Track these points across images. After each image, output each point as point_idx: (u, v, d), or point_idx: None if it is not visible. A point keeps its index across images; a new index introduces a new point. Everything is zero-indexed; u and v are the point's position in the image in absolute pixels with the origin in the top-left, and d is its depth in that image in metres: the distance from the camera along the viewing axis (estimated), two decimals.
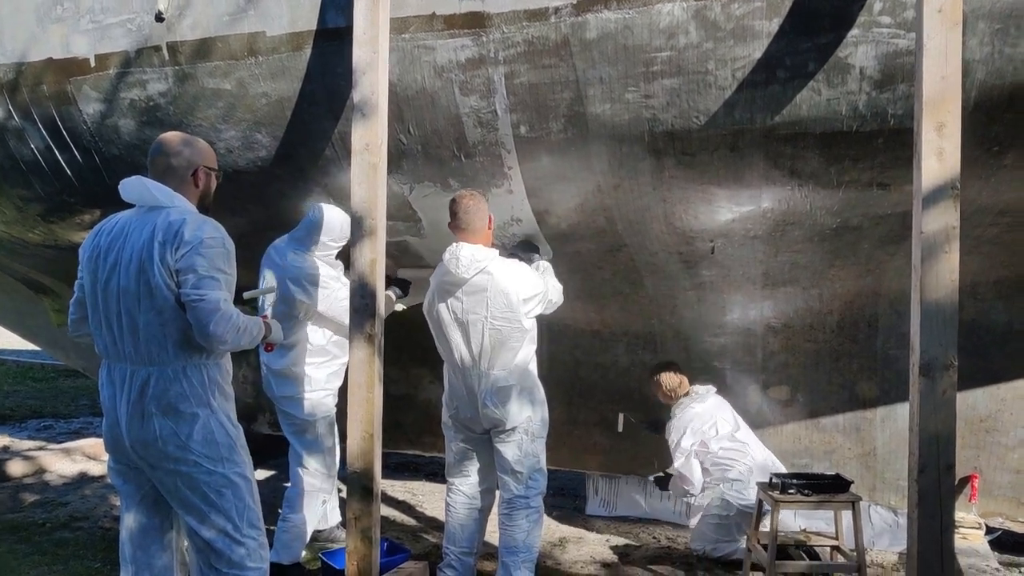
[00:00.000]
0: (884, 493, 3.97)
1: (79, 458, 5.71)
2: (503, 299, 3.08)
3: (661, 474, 4.11)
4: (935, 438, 2.52)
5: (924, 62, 2.45)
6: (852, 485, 3.42)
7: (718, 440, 3.80)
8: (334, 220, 3.50)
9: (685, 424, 3.86)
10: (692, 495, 3.91)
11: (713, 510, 3.81)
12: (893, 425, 3.91)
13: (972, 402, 3.81)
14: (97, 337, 2.36)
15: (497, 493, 3.32)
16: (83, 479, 5.32)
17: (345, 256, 3.32)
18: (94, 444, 5.96)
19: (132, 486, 2.39)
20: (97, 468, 5.57)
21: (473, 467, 3.32)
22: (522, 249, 3.60)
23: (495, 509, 3.33)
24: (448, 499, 3.35)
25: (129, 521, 2.41)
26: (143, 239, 2.26)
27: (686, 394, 3.94)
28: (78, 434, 6.55)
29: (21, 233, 4.56)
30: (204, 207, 2.44)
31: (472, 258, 3.05)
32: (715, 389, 3.96)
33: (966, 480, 3.84)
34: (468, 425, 3.26)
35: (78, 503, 4.76)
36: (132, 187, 2.37)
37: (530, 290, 3.14)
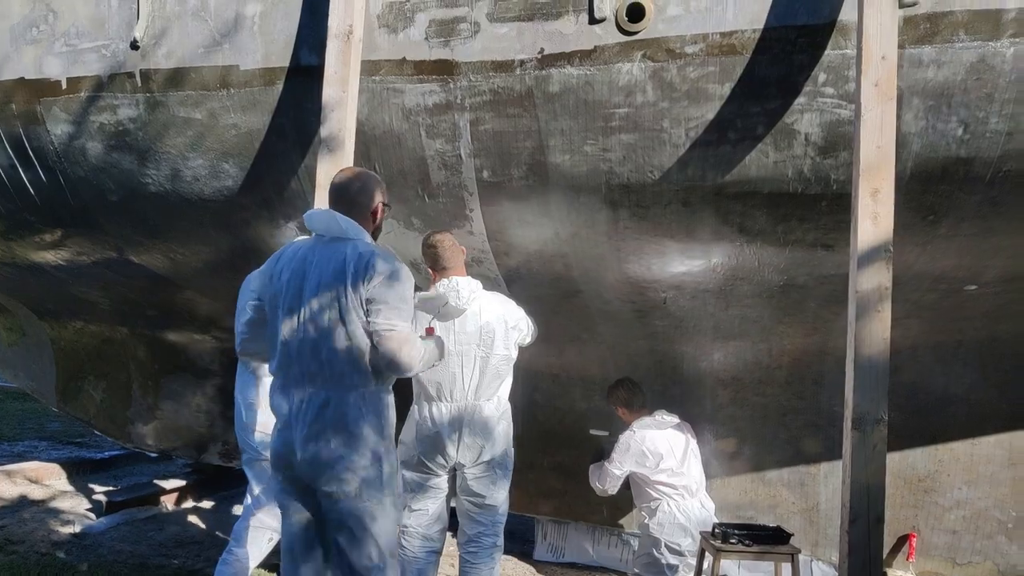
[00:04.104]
0: (826, 548, 4.03)
1: (20, 481, 5.57)
2: (495, 328, 3.14)
3: (605, 433, 4.08)
4: (866, 490, 2.60)
5: (861, 132, 2.60)
6: (792, 538, 3.48)
7: (657, 472, 3.80)
8: None
9: (636, 443, 3.81)
10: (599, 491, 3.97)
11: (642, 548, 3.83)
12: (836, 481, 3.99)
13: (912, 461, 3.91)
14: (277, 358, 2.42)
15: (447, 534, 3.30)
16: (23, 502, 5.18)
17: None
18: (36, 468, 5.82)
19: (297, 504, 2.43)
20: (39, 492, 5.43)
21: (432, 505, 3.25)
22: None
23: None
24: (404, 543, 3.24)
25: (289, 539, 2.45)
26: (333, 268, 2.36)
27: (650, 415, 3.91)
28: (21, 456, 6.38)
29: None
30: (375, 239, 2.55)
31: (469, 289, 3.12)
32: (677, 420, 3.93)
33: (905, 539, 3.92)
34: (436, 462, 3.20)
35: (15, 526, 4.62)
36: (320, 219, 2.47)
37: (516, 317, 3.23)
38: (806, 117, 2.89)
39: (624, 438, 3.88)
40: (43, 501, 5.19)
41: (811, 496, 4.06)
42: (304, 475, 2.36)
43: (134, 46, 3.42)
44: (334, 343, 2.34)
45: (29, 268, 4.57)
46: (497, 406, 3.21)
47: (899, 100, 2.67)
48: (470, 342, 3.13)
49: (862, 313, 2.60)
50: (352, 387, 2.35)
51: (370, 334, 2.33)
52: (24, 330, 5.66)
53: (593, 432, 4.13)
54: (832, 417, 3.98)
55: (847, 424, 2.63)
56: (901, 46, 2.66)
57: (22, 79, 3.65)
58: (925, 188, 2.93)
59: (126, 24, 3.44)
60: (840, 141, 2.89)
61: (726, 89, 2.90)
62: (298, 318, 2.38)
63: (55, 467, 5.93)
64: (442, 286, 3.12)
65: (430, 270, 3.22)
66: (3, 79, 3.69)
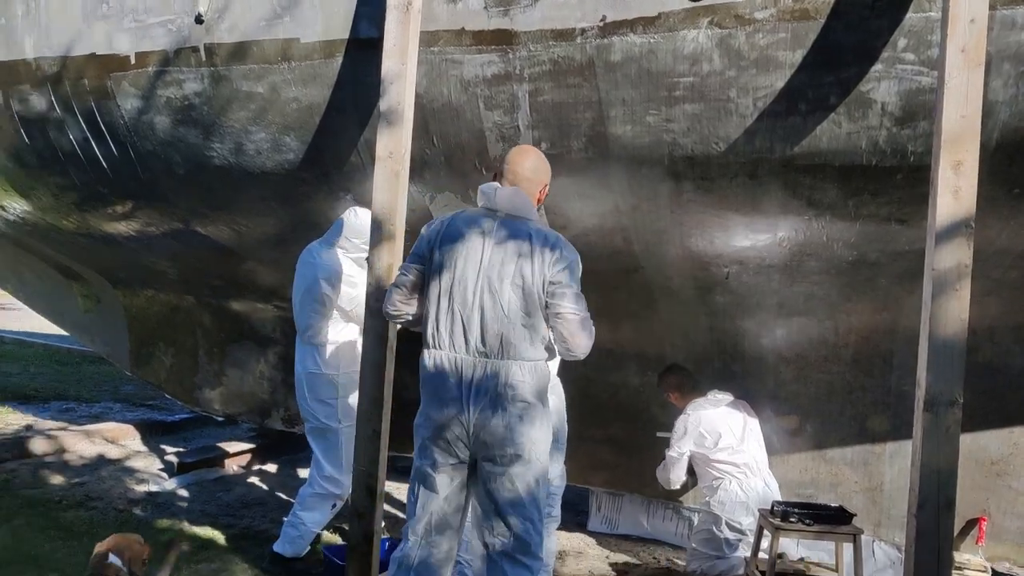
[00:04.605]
0: (889, 530, 3.93)
1: (99, 441, 5.85)
2: None
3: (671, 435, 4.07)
4: (936, 474, 2.51)
5: (944, 100, 2.45)
6: (855, 518, 3.40)
7: (717, 451, 3.78)
8: (364, 222, 3.58)
9: (691, 425, 3.82)
10: (667, 486, 3.97)
11: (702, 524, 3.81)
12: (902, 462, 3.86)
13: (984, 444, 3.76)
14: (437, 325, 2.48)
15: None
16: (101, 461, 5.45)
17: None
18: (114, 428, 6.10)
19: (446, 476, 2.51)
20: (115, 451, 5.70)
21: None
22: None
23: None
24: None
25: (433, 505, 2.52)
26: (517, 246, 2.45)
27: (703, 396, 3.90)
28: (98, 418, 6.69)
29: (56, 220, 4.70)
30: None
31: None
32: (732, 398, 3.92)
33: (974, 522, 3.79)
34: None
35: (94, 483, 4.87)
36: (506, 196, 2.54)
37: None
38: (883, 85, 2.74)
39: (680, 421, 3.85)
40: (119, 460, 5.45)
41: (875, 476, 3.95)
42: (471, 446, 2.45)
43: (199, 20, 3.47)
44: (513, 318, 2.44)
45: (102, 238, 4.74)
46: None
47: (986, 66, 2.51)
48: None
49: (939, 292, 2.48)
50: (526, 360, 2.46)
51: (546, 315, 2.46)
52: (99, 298, 5.90)
53: (660, 435, 4.10)
54: (901, 396, 3.85)
55: (919, 405, 2.53)
56: (992, 7, 2.49)
57: (93, 55, 3.74)
58: (1012, 160, 2.76)
59: None
60: (920, 110, 2.74)
61: (797, 57, 2.77)
62: (474, 291, 2.45)
63: (130, 428, 6.21)
64: None
65: None
66: (76, 55, 3.79)
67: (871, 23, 2.68)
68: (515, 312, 2.44)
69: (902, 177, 2.93)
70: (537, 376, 2.49)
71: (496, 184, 2.59)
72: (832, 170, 2.96)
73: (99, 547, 2.69)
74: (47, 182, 4.38)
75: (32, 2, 3.87)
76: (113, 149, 3.97)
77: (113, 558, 2.67)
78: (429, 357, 2.52)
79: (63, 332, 7.22)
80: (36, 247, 5.46)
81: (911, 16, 2.65)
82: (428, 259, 2.54)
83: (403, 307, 2.60)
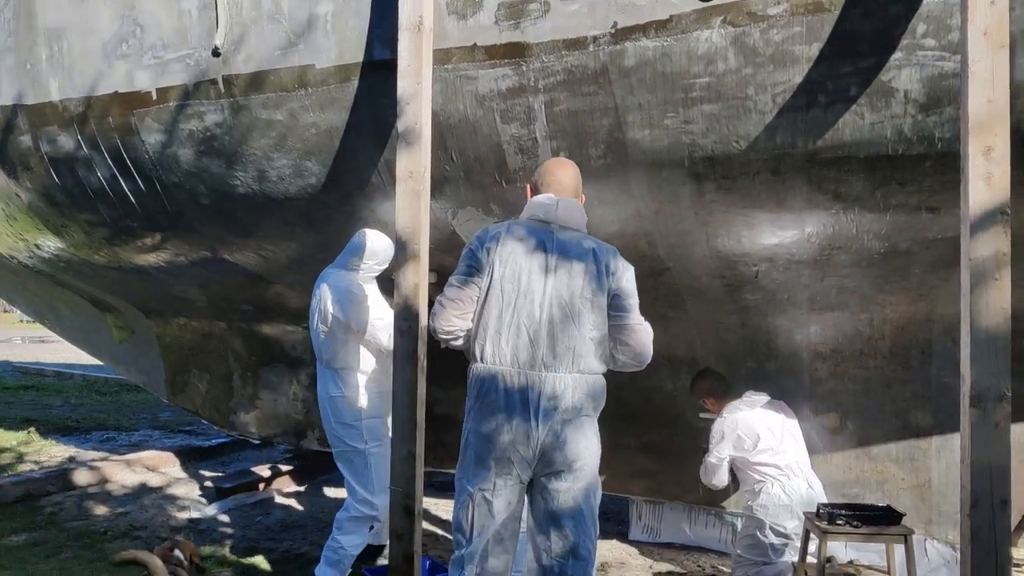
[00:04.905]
0: (941, 527, 3.83)
1: (139, 469, 5.95)
2: None
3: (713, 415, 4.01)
4: (988, 471, 2.43)
5: (970, 86, 2.39)
6: (904, 518, 3.31)
7: (757, 453, 3.70)
8: (376, 244, 3.60)
9: (728, 428, 3.75)
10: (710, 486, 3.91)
11: (746, 529, 3.74)
12: (950, 456, 3.77)
13: None
14: (499, 340, 2.42)
15: None
16: (143, 489, 5.53)
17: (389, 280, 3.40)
18: (154, 456, 6.20)
19: (503, 499, 2.44)
20: (156, 479, 5.79)
21: None
22: None
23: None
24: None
25: (490, 531, 2.44)
26: (579, 258, 2.47)
27: (738, 398, 3.84)
28: (138, 446, 6.81)
29: (88, 255, 4.80)
30: None
31: None
32: (767, 398, 3.84)
33: None
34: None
35: (138, 513, 4.94)
36: (567, 208, 2.56)
37: None
38: (905, 73, 2.69)
39: (716, 426, 3.79)
40: (160, 488, 5.53)
41: (922, 471, 3.85)
42: (540, 461, 2.41)
43: (215, 53, 3.52)
44: (583, 331, 2.43)
45: (133, 270, 4.82)
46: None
47: (1011, 47, 2.44)
48: None
49: (978, 282, 2.41)
50: (591, 373, 2.48)
51: (611, 326, 2.49)
52: (133, 328, 6.01)
53: (702, 416, 4.05)
54: (943, 388, 3.75)
55: (965, 401, 2.46)
56: None
57: (116, 93, 3.82)
58: None
59: (207, 32, 3.54)
60: (945, 96, 2.68)
61: (814, 50, 2.73)
62: (541, 304, 2.43)
63: (169, 455, 6.30)
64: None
65: None
66: (99, 94, 3.87)
67: (888, 10, 2.63)
68: (586, 326, 2.44)
69: (930, 165, 2.86)
70: (600, 389, 2.53)
71: (552, 196, 2.57)
72: (857, 162, 2.91)
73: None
74: (78, 219, 4.47)
75: (56, 46, 3.96)
76: (140, 183, 4.04)
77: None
78: (488, 374, 2.44)
79: (101, 363, 7.36)
80: (70, 281, 5.58)
81: (929, 1, 2.59)
82: (483, 273, 2.48)
83: (458, 322, 2.50)
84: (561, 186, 2.59)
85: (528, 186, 2.72)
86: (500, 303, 2.44)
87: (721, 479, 3.84)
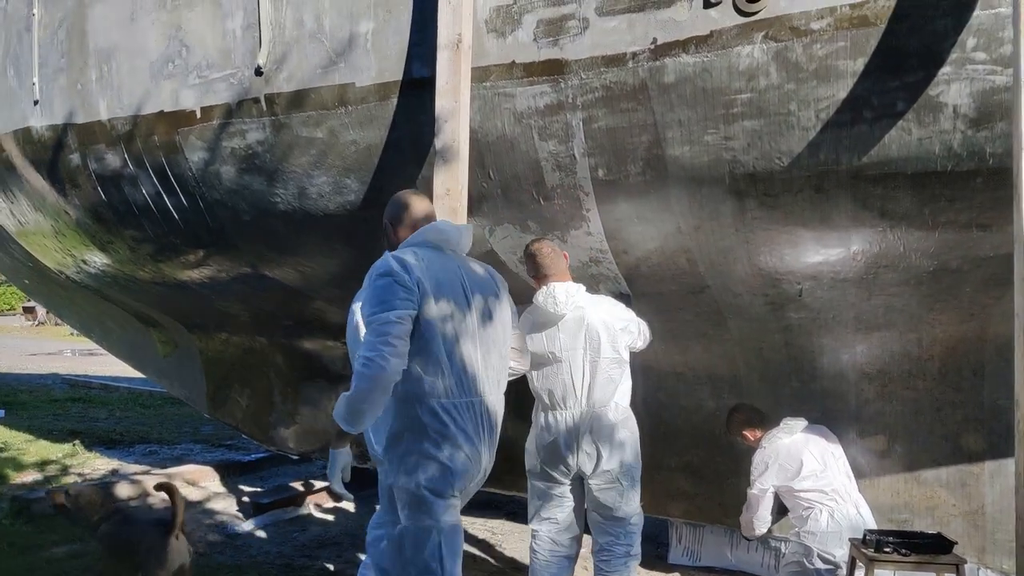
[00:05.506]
0: (995, 556, 3.67)
1: (179, 483, 6.00)
2: (600, 331, 3.13)
3: None
4: None
5: (1022, 100, 2.32)
6: (956, 546, 3.19)
7: (800, 480, 3.59)
8: None
9: (770, 458, 3.66)
10: (750, 533, 3.79)
11: (792, 556, 3.62)
12: (1005, 481, 3.62)
13: None
14: (451, 374, 2.39)
15: (587, 538, 3.27)
16: None
17: None
18: (194, 470, 6.27)
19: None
20: (196, 493, 5.85)
21: (560, 514, 3.28)
22: None
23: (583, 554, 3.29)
24: (534, 546, 3.31)
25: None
26: (488, 284, 2.58)
27: (775, 426, 3.74)
28: (180, 460, 6.90)
29: (133, 271, 4.91)
30: None
31: (567, 294, 3.12)
32: (806, 423, 3.74)
33: None
34: (559, 471, 3.22)
35: None
36: (460, 233, 2.64)
37: (624, 319, 3.21)
38: (954, 87, 2.62)
39: (757, 457, 3.70)
40: (199, 503, 5.58)
41: (975, 497, 3.71)
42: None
43: (258, 72, 3.59)
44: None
45: (177, 286, 4.92)
46: (615, 413, 3.15)
47: None
48: (575, 347, 3.10)
49: None
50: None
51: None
52: (176, 343, 6.12)
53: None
54: (996, 411, 3.61)
55: (1019, 427, 2.36)
56: None
57: (162, 112, 3.91)
58: None
59: (250, 52, 3.61)
60: (996, 111, 2.60)
61: (859, 65, 2.68)
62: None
63: (209, 470, 6.37)
64: (541, 295, 3.13)
65: (532, 279, 3.20)
66: (145, 113, 3.97)
67: (936, 23, 2.57)
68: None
69: (981, 181, 2.77)
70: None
71: (451, 223, 2.69)
72: (904, 178, 2.83)
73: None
74: (123, 235, 4.58)
75: (105, 66, 4.09)
76: (183, 200, 4.13)
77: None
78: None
79: (145, 376, 7.50)
80: (116, 297, 5.71)
81: (979, 14, 2.53)
82: (426, 308, 2.37)
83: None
84: (436, 213, 2.74)
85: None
86: (443, 339, 2.43)
87: (764, 515, 3.71)
